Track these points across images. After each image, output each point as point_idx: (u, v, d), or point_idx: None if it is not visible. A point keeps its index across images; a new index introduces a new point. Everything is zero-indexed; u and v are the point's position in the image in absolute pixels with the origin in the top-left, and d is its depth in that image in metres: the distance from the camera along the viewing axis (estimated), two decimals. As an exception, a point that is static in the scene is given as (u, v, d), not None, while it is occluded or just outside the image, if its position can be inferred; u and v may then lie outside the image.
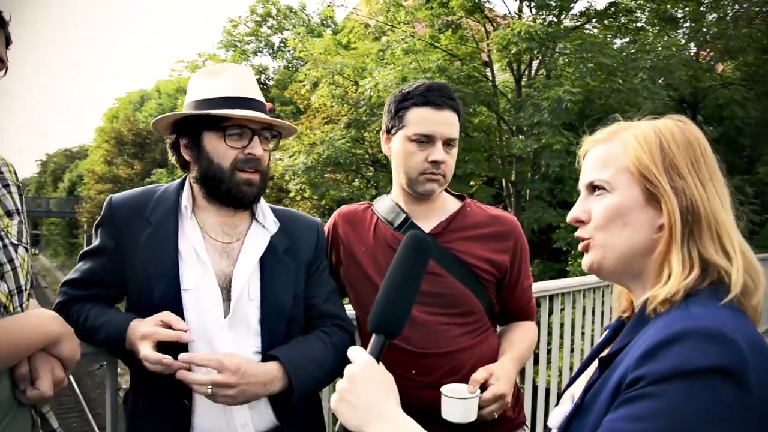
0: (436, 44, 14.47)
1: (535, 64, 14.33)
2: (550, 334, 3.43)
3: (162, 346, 1.53)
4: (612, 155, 1.14)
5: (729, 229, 1.06)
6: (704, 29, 14.23)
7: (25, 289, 1.44)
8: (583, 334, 3.82)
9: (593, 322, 3.90)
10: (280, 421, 1.71)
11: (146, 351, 1.50)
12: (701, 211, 1.05)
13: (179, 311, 1.61)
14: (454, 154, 1.91)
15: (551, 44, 13.21)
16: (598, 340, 1.37)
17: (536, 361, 3.54)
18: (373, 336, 1.16)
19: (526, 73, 14.37)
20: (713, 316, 0.95)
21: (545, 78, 13.56)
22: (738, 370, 0.88)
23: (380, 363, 1.12)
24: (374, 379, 1.09)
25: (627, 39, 14.25)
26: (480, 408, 1.68)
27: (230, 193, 1.67)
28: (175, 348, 1.54)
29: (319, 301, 1.82)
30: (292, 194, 15.91)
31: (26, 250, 1.48)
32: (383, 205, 2.00)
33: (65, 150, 64.85)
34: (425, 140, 1.85)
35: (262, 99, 1.70)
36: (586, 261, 1.17)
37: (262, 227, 1.76)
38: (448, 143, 1.87)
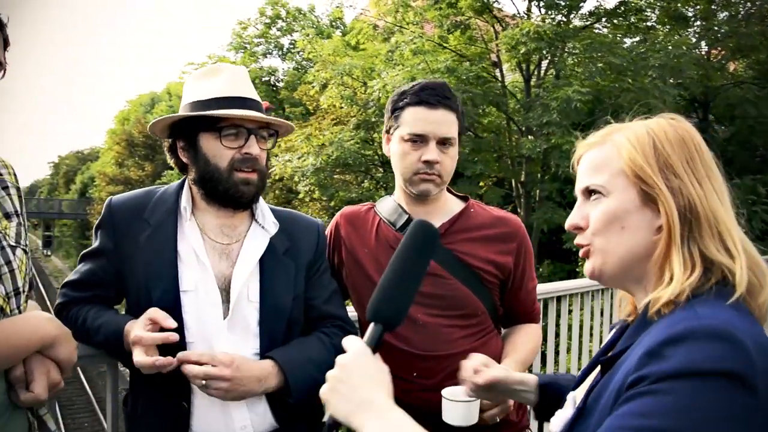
0: (444, 45, 14.43)
1: (544, 64, 14.27)
2: (558, 335, 3.40)
3: (161, 346, 1.52)
4: (605, 158, 1.12)
5: (729, 226, 1.04)
6: (715, 27, 14.10)
7: (23, 291, 1.43)
8: (591, 335, 3.78)
9: (602, 324, 3.86)
10: (280, 423, 1.70)
11: (138, 357, 1.50)
12: (700, 210, 1.03)
13: (178, 313, 1.61)
14: (451, 153, 1.88)
15: (560, 44, 13.14)
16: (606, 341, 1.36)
17: (544, 363, 3.52)
18: (371, 325, 1.12)
19: (536, 73, 14.31)
20: (719, 315, 0.93)
21: (554, 78, 13.50)
22: (746, 373, 0.86)
23: (377, 354, 1.09)
24: (366, 368, 1.06)
25: (637, 38, 14.15)
26: (481, 411, 1.66)
27: (228, 194, 1.66)
28: (174, 347, 1.53)
29: (319, 302, 1.81)
30: (301, 195, 15.93)
31: (24, 252, 1.47)
32: (386, 206, 1.99)
33: (77, 152, 65.44)
34: (419, 140, 1.84)
35: (257, 98, 1.70)
36: (587, 267, 1.16)
37: (262, 228, 1.75)
38: (443, 143, 1.84)
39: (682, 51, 12.59)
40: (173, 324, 1.54)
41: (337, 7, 17.54)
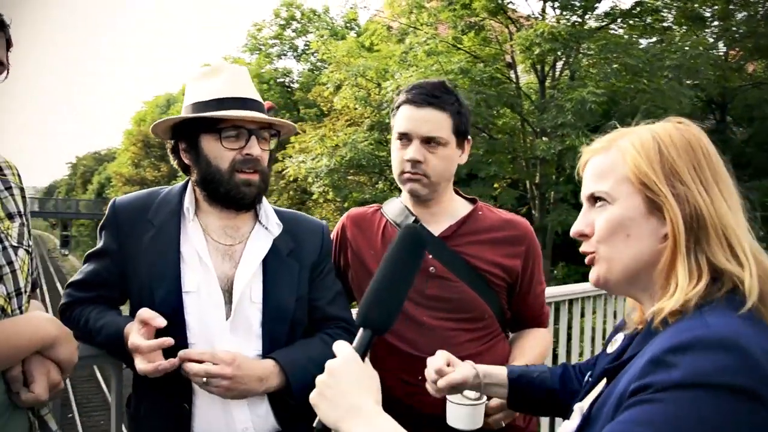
0: (458, 46, 14.40)
1: (559, 65, 14.20)
2: (570, 339, 3.36)
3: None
4: (610, 165, 1.10)
5: (739, 233, 1.00)
6: (733, 28, 13.95)
7: (25, 292, 1.43)
8: (605, 339, 3.72)
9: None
10: (281, 425, 1.69)
11: (141, 365, 1.50)
12: (706, 217, 0.99)
13: (180, 314, 1.61)
14: (441, 153, 1.83)
15: (575, 45, 13.06)
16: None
17: (554, 366, 3.47)
18: (360, 331, 1.12)
19: (550, 74, 14.24)
20: (728, 324, 0.90)
21: (569, 79, 13.44)
22: (752, 386, 0.83)
23: (366, 359, 1.09)
24: (355, 374, 1.06)
25: (653, 39, 14.02)
26: (487, 415, 1.64)
27: (230, 195, 1.65)
28: (175, 348, 1.53)
29: (323, 303, 1.79)
30: (315, 197, 15.98)
31: (27, 252, 1.47)
32: (392, 208, 1.97)
33: (94, 153, 66.22)
34: (404, 138, 1.83)
35: (258, 98, 1.69)
36: (592, 275, 1.14)
37: (266, 229, 1.74)
38: (427, 141, 1.81)
39: (699, 52, 12.47)
40: (163, 323, 1.52)
41: (352, 8, 17.57)
